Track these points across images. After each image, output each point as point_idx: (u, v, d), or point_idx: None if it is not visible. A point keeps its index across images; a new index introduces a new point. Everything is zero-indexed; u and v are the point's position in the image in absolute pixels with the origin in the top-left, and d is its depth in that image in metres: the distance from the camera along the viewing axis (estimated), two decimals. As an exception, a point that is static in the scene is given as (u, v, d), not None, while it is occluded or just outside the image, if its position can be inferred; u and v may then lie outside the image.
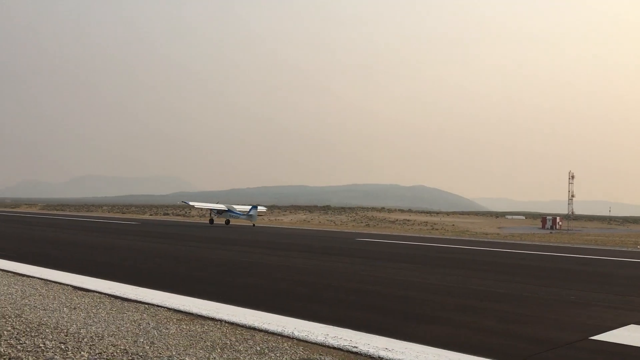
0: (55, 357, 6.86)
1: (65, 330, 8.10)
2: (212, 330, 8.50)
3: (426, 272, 17.17)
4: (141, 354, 7.09)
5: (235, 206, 52.54)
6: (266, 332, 8.58)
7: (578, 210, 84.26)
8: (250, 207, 51.35)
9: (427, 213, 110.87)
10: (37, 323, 8.53)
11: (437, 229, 54.11)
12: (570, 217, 68.23)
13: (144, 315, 9.46)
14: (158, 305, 10.37)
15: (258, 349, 7.55)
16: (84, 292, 11.58)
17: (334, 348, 7.84)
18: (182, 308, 10.17)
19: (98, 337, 7.80)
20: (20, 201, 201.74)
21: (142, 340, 7.74)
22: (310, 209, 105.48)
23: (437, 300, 12.00)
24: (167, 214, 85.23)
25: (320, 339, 8.20)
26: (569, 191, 65.78)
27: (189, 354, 7.17)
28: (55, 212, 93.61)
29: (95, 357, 6.91)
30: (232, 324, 9.05)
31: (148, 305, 10.34)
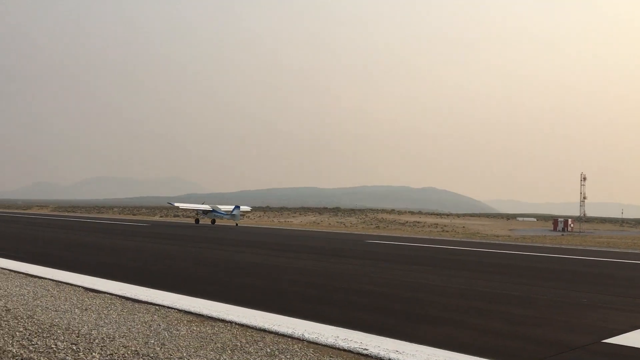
0: (67, 358, 6.89)
1: (77, 332, 8.15)
2: (222, 332, 8.51)
3: (436, 274, 17.11)
4: (152, 355, 7.11)
5: (220, 206, 54.02)
6: (276, 333, 8.58)
7: (590, 213, 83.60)
8: (233, 207, 52.83)
9: (438, 215, 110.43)
10: (48, 324, 8.59)
11: (447, 231, 53.91)
12: (582, 219, 67.70)
13: (155, 316, 9.49)
14: (168, 307, 10.40)
15: (268, 350, 7.56)
16: (95, 294, 11.65)
17: (345, 350, 7.83)
18: (192, 309, 10.20)
19: (109, 338, 7.83)
20: (32, 203, 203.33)
21: (153, 341, 7.76)
22: (320, 210, 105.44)
23: (448, 303, 11.95)
24: (178, 216, 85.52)
25: (330, 341, 8.19)
26: (581, 193, 65.31)
27: (200, 356, 7.19)
28: (66, 213, 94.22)
29: (107, 358, 6.94)
30: (242, 325, 9.06)
31: (159, 307, 10.38)
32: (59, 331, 8.15)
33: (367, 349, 7.82)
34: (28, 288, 12.03)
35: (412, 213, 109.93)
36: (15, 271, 14.84)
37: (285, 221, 74.73)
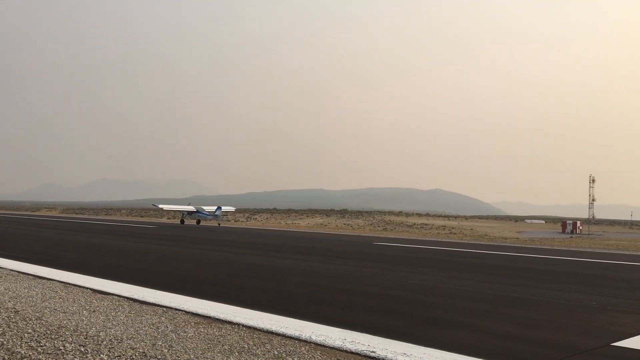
0: (75, 359, 6.91)
1: (85, 333, 8.17)
2: (229, 334, 8.51)
3: (444, 277, 17.05)
4: (160, 357, 7.12)
5: (204, 207, 55.75)
6: (283, 336, 8.57)
7: (599, 215, 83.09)
8: (215, 208, 54.95)
9: (445, 217, 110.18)
10: (57, 326, 8.61)
11: (455, 233, 53.76)
12: (591, 222, 67.29)
13: (162, 318, 9.51)
14: (176, 309, 10.42)
15: (275, 353, 7.55)
16: (103, 295, 11.68)
17: (352, 353, 7.81)
18: (199, 311, 10.20)
19: (117, 340, 7.85)
20: (40, 205, 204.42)
21: (160, 343, 7.77)
22: (327, 212, 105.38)
23: (456, 305, 11.90)
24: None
25: (337, 343, 8.18)
26: (590, 195, 64.92)
27: (207, 358, 7.19)
28: (74, 215, 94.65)
29: None
30: (249, 327, 9.06)
31: (166, 309, 10.40)
32: (67, 333, 8.17)
33: (374, 352, 7.80)
34: (37, 290, 12.08)
35: (419, 215, 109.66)
36: (23, 273, 14.91)
37: (292, 223, 74.74)
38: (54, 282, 13.42)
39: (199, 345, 7.75)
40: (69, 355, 7.05)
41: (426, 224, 75.91)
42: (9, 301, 10.60)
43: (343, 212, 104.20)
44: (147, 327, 8.71)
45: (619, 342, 8.79)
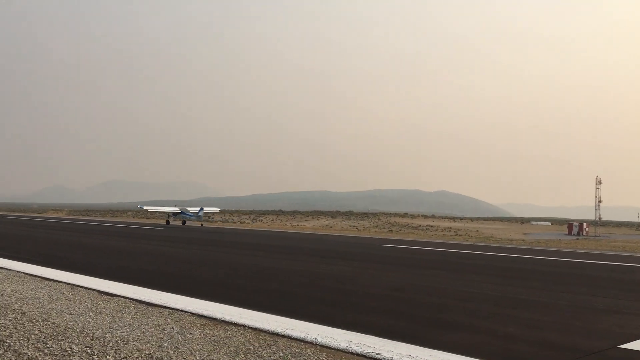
0: (81, 361, 6.94)
1: (91, 335, 8.20)
2: (235, 336, 8.52)
3: (450, 278, 17.01)
4: (165, 358, 7.14)
5: (188, 209, 58.51)
6: (289, 337, 8.57)
7: (605, 216, 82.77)
8: (198, 209, 58.08)
9: (451, 219, 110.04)
10: (63, 327, 8.65)
11: (460, 235, 53.65)
12: (597, 223, 67.04)
13: (168, 319, 9.53)
14: (182, 310, 10.44)
15: (281, 354, 7.55)
16: (110, 297, 11.71)
17: (357, 354, 7.80)
18: (205, 313, 10.22)
19: (123, 341, 7.87)
20: (47, 206, 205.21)
21: (166, 345, 7.79)
22: (332, 214, 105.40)
23: (462, 307, 11.87)
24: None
25: (343, 345, 8.17)
26: (596, 197, 64.66)
27: (213, 359, 7.20)
28: (81, 217, 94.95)
29: (121, 361, 6.97)
30: (255, 329, 9.06)
31: (172, 310, 10.42)
32: (73, 334, 8.20)
33: (380, 353, 7.79)
34: (43, 291, 12.13)
35: (424, 217, 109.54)
36: (30, 274, 14.97)
37: (297, 225, 74.77)
38: (61, 283, 13.47)
39: (205, 347, 7.77)
40: (75, 357, 7.08)
41: (431, 226, 75.81)
42: (16, 303, 10.64)
43: (348, 214, 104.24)
44: (153, 329, 8.73)
45: (625, 344, 8.75)
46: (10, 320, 9.06)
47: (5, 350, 7.27)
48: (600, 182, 64.68)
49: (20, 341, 7.71)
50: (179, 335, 8.36)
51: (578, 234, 66.18)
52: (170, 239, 34.27)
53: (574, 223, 72.42)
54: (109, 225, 57.54)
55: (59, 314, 9.65)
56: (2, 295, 11.48)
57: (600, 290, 15.14)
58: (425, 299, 12.99)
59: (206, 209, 62.43)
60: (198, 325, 9.20)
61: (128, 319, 9.42)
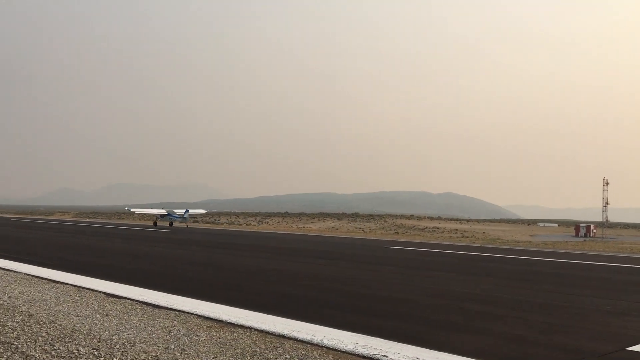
0: (88, 363, 6.95)
1: (98, 337, 8.22)
2: (241, 338, 8.53)
3: (456, 280, 16.97)
4: (172, 360, 7.14)
5: (175, 210, 60.54)
6: (295, 340, 8.57)
7: (613, 218, 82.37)
8: (184, 210, 59.72)
9: (457, 220, 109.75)
10: (70, 329, 8.67)
11: (467, 237, 53.52)
12: (604, 225, 66.74)
13: (175, 322, 9.55)
14: (188, 312, 10.45)
15: (288, 357, 7.55)
16: (116, 299, 11.75)
17: (364, 357, 7.79)
18: (212, 315, 10.23)
19: (130, 343, 7.89)
20: (54, 209, 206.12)
21: (173, 347, 7.81)
22: (338, 216, 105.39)
23: (469, 309, 11.83)
24: (197, 222, 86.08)
25: (349, 347, 8.16)
26: (603, 198, 64.37)
27: (219, 361, 7.20)
28: (87, 219, 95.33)
29: (127, 363, 6.99)
30: (261, 331, 9.07)
31: (178, 312, 10.44)
32: (80, 336, 8.23)
33: (386, 356, 7.78)
34: (50, 293, 12.18)
35: (431, 219, 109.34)
36: (37, 277, 15.04)
37: (303, 227, 74.78)
38: (68, 285, 13.52)
39: (211, 349, 7.77)
40: (82, 359, 7.10)
41: (438, 228, 75.65)
42: (23, 305, 10.69)
43: (354, 216, 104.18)
44: (159, 331, 8.75)
45: (634, 346, 8.71)
46: (17, 322, 9.10)
47: (13, 353, 7.30)
48: (607, 184, 64.38)
49: (28, 343, 7.74)
50: (186, 338, 8.37)
51: (585, 235, 65.88)
52: (176, 242, 34.34)
53: (581, 225, 72.08)
54: (115, 227, 57.73)
55: (66, 316, 9.69)
56: (9, 297, 11.53)
57: (608, 293, 15.07)
58: (433, 301, 12.96)
59: (192, 211, 64.59)
60: (204, 327, 9.21)
61: (135, 321, 9.45)
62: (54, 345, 7.66)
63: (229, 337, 8.56)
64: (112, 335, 8.32)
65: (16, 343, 7.73)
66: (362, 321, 10.20)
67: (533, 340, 9.07)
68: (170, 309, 10.79)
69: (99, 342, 7.93)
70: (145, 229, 54.25)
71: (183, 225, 58.51)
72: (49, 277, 14.89)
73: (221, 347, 7.90)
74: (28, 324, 8.98)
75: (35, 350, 7.40)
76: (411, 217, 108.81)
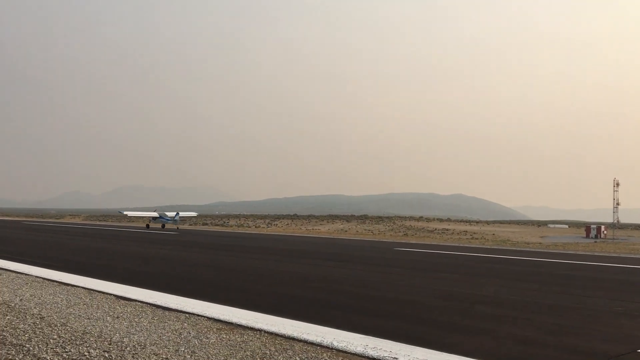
0: (100, 365, 6.99)
1: (109, 339, 8.26)
2: (251, 340, 8.54)
3: (466, 282, 16.92)
4: (182, 363, 7.16)
5: (167, 213, 62.11)
6: (305, 342, 8.58)
7: (624, 219, 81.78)
8: (175, 213, 61.12)
9: (467, 222, 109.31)
10: (81, 332, 8.72)
11: (476, 238, 53.29)
12: (615, 226, 66.24)
13: (185, 324, 9.58)
14: (198, 315, 10.49)
15: (297, 359, 7.56)
16: (127, 302, 11.80)
17: (374, 359, 7.79)
18: (221, 317, 10.26)
19: (140, 346, 7.92)
20: (64, 212, 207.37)
21: (183, 349, 7.83)
22: (347, 218, 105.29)
23: (479, 311, 11.80)
24: (206, 224, 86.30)
25: (359, 349, 8.16)
26: (614, 199, 63.89)
27: (229, 364, 7.22)
28: (97, 222, 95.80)
29: (138, 365, 7.02)
30: (271, 333, 9.08)
31: (188, 315, 10.47)
32: (91, 339, 8.27)
33: (397, 358, 7.77)
34: (61, 296, 12.26)
35: (440, 220, 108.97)
36: (48, 279, 15.14)
37: (312, 229, 74.80)
38: (78, 288, 13.60)
39: (222, 352, 7.79)
40: (93, 361, 7.14)
41: (447, 229, 75.40)
42: (35, 307, 10.76)
43: (363, 218, 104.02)
44: (170, 333, 8.78)
45: (646, 348, 8.64)
46: (29, 324, 9.16)
47: (25, 355, 7.36)
48: (618, 184, 63.90)
49: (39, 346, 7.79)
50: (196, 340, 8.40)
51: (596, 237, 65.41)
52: (184, 244, 34.46)
53: (592, 226, 71.56)
54: (124, 230, 57.97)
55: (77, 319, 9.75)
56: (21, 300, 11.62)
57: (620, 294, 14.97)
58: (442, 302, 12.92)
59: (183, 214, 67.00)
60: (214, 329, 9.24)
61: (145, 324, 9.49)
62: (65, 348, 7.71)
63: (238, 339, 8.58)
64: (123, 338, 8.36)
65: (28, 345, 7.79)
66: (371, 323, 10.19)
67: (543, 342, 9.02)
68: (181, 311, 10.83)
69: (109, 344, 7.97)
70: (154, 232, 54.46)
71: (174, 227, 60.33)
72: (59, 280, 14.98)
73: (231, 350, 7.92)
74: (40, 326, 9.04)
75: (46, 353, 7.45)
76: (420, 218, 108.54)
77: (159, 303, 11.66)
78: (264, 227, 78.02)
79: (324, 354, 7.87)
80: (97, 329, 8.91)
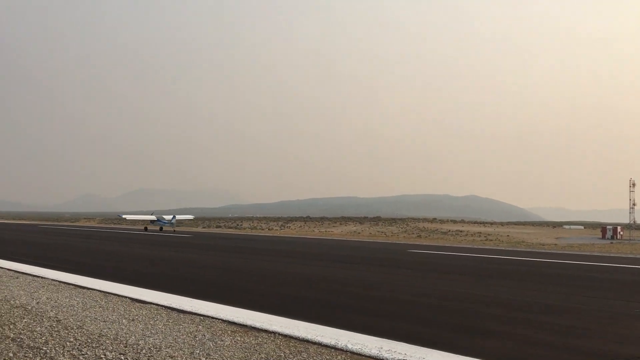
0: (116, 367, 7.04)
1: (125, 342, 8.32)
2: (266, 342, 8.56)
3: (481, 284, 16.83)
4: (197, 365, 7.19)
5: (164, 216, 65.41)
6: (320, 344, 8.57)
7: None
8: (171, 216, 64.81)
9: (481, 223, 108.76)
10: (97, 334, 8.79)
11: (491, 240, 53.02)
12: (632, 227, 65.60)
13: (200, 327, 9.62)
14: (213, 317, 10.52)
15: (312, 361, 7.55)
16: (142, 304, 11.87)
17: (388, 361, 7.76)
18: (236, 320, 10.28)
19: (156, 348, 7.97)
20: (79, 215, 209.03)
21: (198, 352, 7.86)
22: (360, 220, 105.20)
23: (493, 313, 11.73)
24: (220, 227, 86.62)
25: (374, 352, 8.14)
26: (630, 199, 63.28)
27: (244, 366, 7.23)
28: (112, 225, 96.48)
29: (154, 368, 7.05)
30: (285, 336, 9.09)
31: (203, 317, 10.51)
32: (107, 341, 8.33)
33: (411, 361, 7.74)
34: (77, 299, 12.35)
35: (454, 222, 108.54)
36: (64, 282, 15.26)
37: (325, 231, 74.79)
38: (94, 291, 13.70)
39: (236, 354, 7.82)
40: (109, 364, 7.19)
41: (461, 231, 75.08)
42: (51, 310, 10.86)
43: (376, 220, 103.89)
44: (185, 336, 8.82)
45: (664, 351, 8.55)
46: (46, 327, 9.25)
47: (42, 357, 7.43)
48: (634, 185, 63.26)
49: (56, 348, 7.86)
50: (211, 342, 8.43)
51: (612, 238, 64.83)
52: (197, 247, 34.60)
53: (608, 227, 70.92)
54: (138, 233, 58.32)
55: (93, 322, 9.82)
56: (37, 303, 11.73)
57: (636, 296, 14.82)
58: (457, 305, 12.85)
59: (180, 217, 69.47)
60: (229, 332, 9.27)
61: (160, 326, 9.54)
62: (81, 350, 7.77)
63: (253, 341, 8.60)
64: (139, 340, 8.41)
65: (45, 348, 7.86)
66: (386, 325, 10.16)
67: (557, 344, 8.95)
68: (195, 313, 10.88)
69: (125, 347, 8.02)
70: (168, 235, 54.77)
71: (171, 229, 62.82)
72: (75, 283, 15.10)
73: (246, 352, 7.94)
74: (56, 329, 9.12)
75: (63, 355, 7.51)
76: (433, 220, 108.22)
77: (173, 305, 11.71)
78: (277, 230, 78.15)
79: (339, 357, 7.87)
80: (113, 332, 8.98)
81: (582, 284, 17.26)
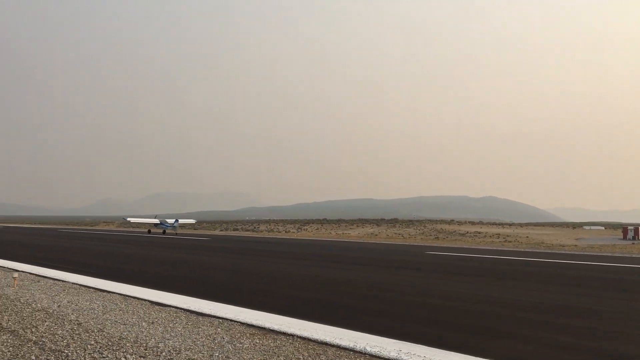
0: (136, 370, 7.09)
1: (145, 344, 8.38)
2: (284, 345, 8.57)
3: (500, 286, 16.68)
4: (217, 368, 7.22)
5: (167, 220, 66.14)
6: (338, 347, 8.57)
7: (662, 220, 79.73)
8: (174, 220, 65.50)
9: (499, 225, 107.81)
10: (117, 337, 8.87)
11: (510, 241, 52.53)
12: (653, 227, 64.56)
13: (219, 329, 9.66)
14: (231, 320, 10.56)
15: (331, 364, 7.54)
16: (161, 307, 11.95)
17: (408, 364, 7.73)
18: (254, 322, 10.31)
19: (175, 351, 8.02)
20: (99, 219, 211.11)
21: (217, 354, 7.90)
22: (377, 222, 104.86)
23: (512, 315, 11.62)
24: (237, 229, 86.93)
25: (393, 354, 8.11)
26: (651, 199, 62.42)
27: (263, 369, 7.24)
28: (131, 229, 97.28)
29: (173, 370, 7.10)
30: (304, 338, 9.09)
31: (222, 320, 10.56)
32: (127, 344, 8.40)
33: (430, 363, 7.69)
34: (98, 302, 12.48)
35: (472, 223, 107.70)
36: (85, 286, 15.42)
37: (342, 233, 74.66)
38: (114, 294, 13.83)
39: (255, 357, 7.84)
40: (130, 366, 7.24)
41: (479, 232, 74.48)
42: (72, 313, 10.98)
43: (393, 222, 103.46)
44: (204, 339, 8.86)
45: (688, 353, 8.41)
46: (67, 330, 9.35)
47: (64, 360, 7.50)
48: (655, 185, 62.36)
49: (77, 351, 7.95)
50: (230, 345, 8.46)
51: (634, 238, 63.90)
52: (214, 249, 34.73)
53: (629, 227, 69.85)
54: (156, 237, 58.72)
55: (113, 325, 9.91)
56: (59, 306, 11.86)
57: (659, 297, 14.58)
58: (476, 307, 12.76)
59: (182, 221, 70.38)
60: (248, 334, 9.29)
61: (180, 329, 9.60)
62: (102, 353, 7.85)
63: (272, 344, 8.62)
64: (158, 343, 8.47)
65: (66, 351, 7.95)
66: (405, 328, 10.12)
67: (578, 346, 8.85)
68: (214, 316, 10.93)
69: (145, 349, 8.08)
70: (186, 237, 55.07)
71: (173, 232, 63.89)
72: (95, 286, 15.25)
73: (265, 355, 7.96)
74: (77, 332, 9.22)
75: (84, 358, 7.59)
76: (451, 222, 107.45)
77: (192, 308, 11.77)
78: (293, 232, 78.20)
79: (357, 359, 7.85)
80: (133, 335, 9.05)
81: (602, 285, 17.01)
